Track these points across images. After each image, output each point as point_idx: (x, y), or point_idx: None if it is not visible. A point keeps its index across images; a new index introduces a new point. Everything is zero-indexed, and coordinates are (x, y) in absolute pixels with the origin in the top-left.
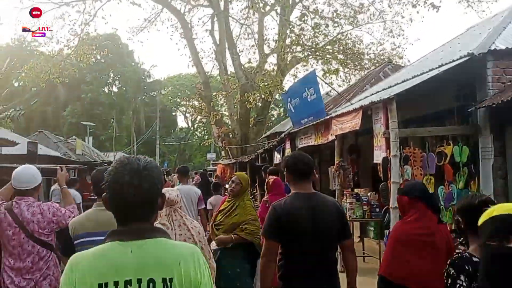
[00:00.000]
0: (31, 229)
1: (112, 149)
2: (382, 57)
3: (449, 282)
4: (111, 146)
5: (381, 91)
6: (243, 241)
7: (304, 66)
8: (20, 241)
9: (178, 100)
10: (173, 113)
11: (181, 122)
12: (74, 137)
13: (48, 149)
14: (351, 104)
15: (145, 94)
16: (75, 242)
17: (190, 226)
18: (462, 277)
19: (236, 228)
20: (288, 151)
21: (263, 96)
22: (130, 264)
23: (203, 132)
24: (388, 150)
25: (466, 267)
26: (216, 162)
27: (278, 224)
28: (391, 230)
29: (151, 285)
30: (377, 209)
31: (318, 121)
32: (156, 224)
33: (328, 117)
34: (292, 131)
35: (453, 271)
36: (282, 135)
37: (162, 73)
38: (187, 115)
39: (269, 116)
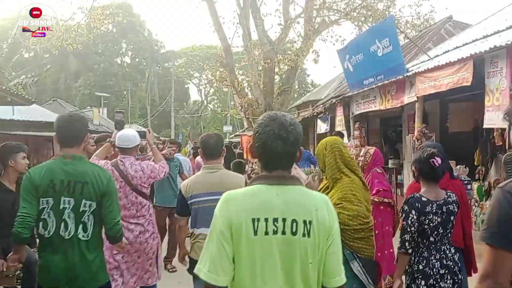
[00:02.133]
0: (135, 183)
1: (127, 121)
2: (416, 21)
3: (403, 216)
4: (125, 117)
5: (472, 42)
6: None
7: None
8: (126, 193)
9: (191, 71)
10: (186, 86)
11: (194, 95)
12: (89, 107)
13: None
14: (431, 58)
15: (158, 65)
16: (191, 201)
17: None
18: (413, 212)
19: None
20: (340, 119)
21: (293, 61)
22: (277, 205)
23: (216, 105)
24: None
25: (416, 205)
26: (239, 134)
27: None
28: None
29: (294, 224)
30: (469, 186)
31: (393, 79)
32: None
33: (409, 73)
34: (348, 94)
35: (406, 207)
36: (327, 100)
37: (175, 45)
38: (201, 87)
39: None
